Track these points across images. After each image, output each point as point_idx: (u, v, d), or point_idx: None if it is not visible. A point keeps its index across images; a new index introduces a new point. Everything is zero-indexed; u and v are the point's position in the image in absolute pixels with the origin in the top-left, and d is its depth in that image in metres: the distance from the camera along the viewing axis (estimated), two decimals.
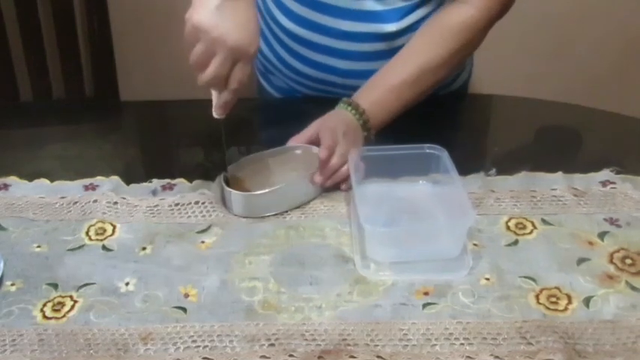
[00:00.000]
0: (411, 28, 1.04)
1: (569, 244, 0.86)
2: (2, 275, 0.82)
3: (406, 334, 0.75)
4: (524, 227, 0.88)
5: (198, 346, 0.74)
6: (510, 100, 1.25)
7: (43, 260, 0.85)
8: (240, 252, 0.85)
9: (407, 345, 0.74)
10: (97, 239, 0.88)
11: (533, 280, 0.81)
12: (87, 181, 0.97)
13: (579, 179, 0.96)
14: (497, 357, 0.72)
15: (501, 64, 1.71)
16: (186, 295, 0.80)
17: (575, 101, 1.17)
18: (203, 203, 0.93)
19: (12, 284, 0.82)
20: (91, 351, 0.73)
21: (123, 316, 0.77)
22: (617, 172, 0.96)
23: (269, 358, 0.73)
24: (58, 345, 0.74)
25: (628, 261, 0.83)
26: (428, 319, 0.76)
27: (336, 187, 0.95)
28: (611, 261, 0.83)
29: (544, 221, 0.89)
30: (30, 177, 0.98)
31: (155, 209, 0.92)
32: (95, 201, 0.93)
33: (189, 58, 0.84)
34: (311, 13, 1.05)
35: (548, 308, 0.77)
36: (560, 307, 0.77)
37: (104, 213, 0.91)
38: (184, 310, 0.78)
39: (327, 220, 0.90)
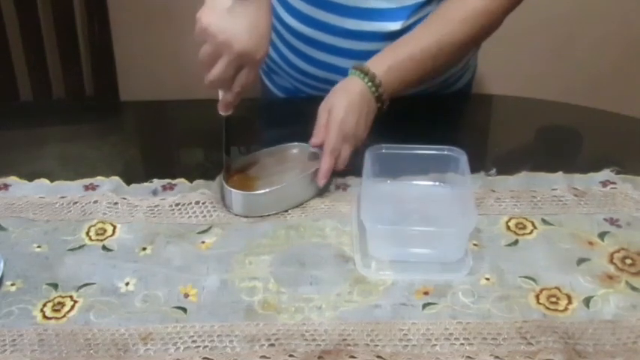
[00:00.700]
0: None
1: (569, 244, 0.86)
2: (2, 275, 0.82)
3: (406, 334, 0.75)
4: (525, 227, 0.88)
5: (198, 346, 0.74)
6: (511, 100, 1.25)
7: (43, 260, 0.85)
8: (240, 252, 0.85)
9: (407, 345, 0.74)
10: (97, 239, 0.88)
11: (534, 280, 0.81)
12: (87, 181, 0.97)
13: (579, 179, 0.96)
14: (497, 357, 0.72)
15: (502, 64, 1.71)
16: (186, 295, 0.80)
17: (575, 101, 1.17)
18: (204, 203, 0.93)
19: (12, 284, 0.82)
20: (91, 351, 0.73)
21: (123, 316, 0.77)
22: (618, 172, 0.96)
23: (269, 358, 0.72)
24: (58, 345, 0.74)
25: (628, 261, 0.83)
26: (428, 319, 0.76)
27: (336, 187, 0.95)
28: (611, 261, 0.83)
29: (544, 221, 0.89)
30: (30, 177, 0.98)
31: (155, 209, 0.92)
32: (95, 201, 0.93)
33: (198, 56, 0.85)
34: (316, 12, 1.05)
35: (548, 308, 0.77)
36: (561, 307, 0.77)
37: (104, 213, 0.91)
38: (184, 310, 0.78)
39: (327, 220, 0.90)
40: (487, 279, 0.81)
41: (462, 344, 0.73)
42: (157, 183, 0.97)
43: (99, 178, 0.98)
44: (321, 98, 0.96)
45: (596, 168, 0.97)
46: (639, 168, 0.97)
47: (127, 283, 0.81)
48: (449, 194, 0.93)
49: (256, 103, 1.27)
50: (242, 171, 0.96)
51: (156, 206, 0.93)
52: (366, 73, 0.94)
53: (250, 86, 0.88)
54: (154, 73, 1.79)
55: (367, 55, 0.99)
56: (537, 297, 0.79)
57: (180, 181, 0.97)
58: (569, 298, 0.78)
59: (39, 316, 0.78)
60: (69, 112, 1.25)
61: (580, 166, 0.98)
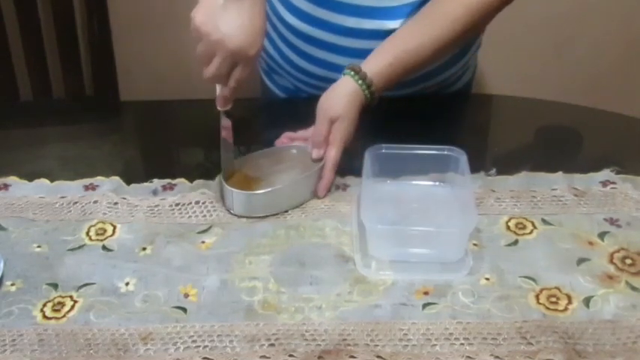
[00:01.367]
0: None
1: (569, 244, 0.86)
2: (2, 275, 0.82)
3: (406, 334, 0.75)
4: (524, 227, 0.88)
5: (198, 346, 0.74)
6: (511, 100, 1.25)
7: (43, 260, 0.85)
8: (240, 252, 0.85)
9: (407, 345, 0.74)
10: (98, 239, 0.88)
11: (533, 280, 0.81)
12: (87, 181, 0.97)
13: (579, 179, 0.96)
14: (497, 357, 0.72)
15: (502, 64, 1.71)
16: (186, 295, 0.80)
17: (575, 101, 1.17)
18: (204, 203, 0.93)
19: (12, 284, 0.82)
20: (91, 351, 0.73)
21: (123, 316, 0.77)
22: (618, 172, 0.96)
23: (269, 358, 0.73)
24: (58, 345, 0.74)
25: (628, 261, 0.83)
26: (428, 319, 0.76)
27: (336, 187, 0.95)
28: (611, 261, 0.83)
29: (544, 221, 0.89)
30: (30, 177, 0.98)
31: (156, 209, 0.92)
32: (96, 201, 0.93)
33: (196, 52, 0.86)
34: (316, 10, 1.06)
35: (548, 308, 0.77)
36: (560, 307, 0.77)
37: (104, 213, 0.91)
38: (184, 310, 0.78)
39: (327, 220, 0.90)
40: (487, 279, 0.81)
41: (462, 344, 0.74)
42: (157, 183, 0.97)
43: (99, 178, 0.98)
44: None
45: (596, 168, 0.97)
46: (639, 168, 0.97)
47: (127, 283, 0.81)
48: (449, 194, 0.93)
49: (256, 103, 1.27)
50: (242, 171, 0.96)
51: (156, 206, 0.93)
52: (359, 74, 0.95)
53: (245, 82, 0.89)
54: (154, 73, 1.79)
55: (366, 53, 0.99)
56: (537, 297, 0.79)
57: (181, 181, 0.97)
58: (569, 298, 0.78)
59: (39, 316, 0.78)
60: (69, 112, 1.25)
61: (580, 166, 0.98)
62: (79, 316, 0.77)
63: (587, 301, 0.78)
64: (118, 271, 0.83)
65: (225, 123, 0.93)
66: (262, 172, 0.96)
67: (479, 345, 0.73)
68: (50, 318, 0.77)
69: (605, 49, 1.82)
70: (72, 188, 0.96)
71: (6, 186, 0.97)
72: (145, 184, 0.97)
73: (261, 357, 0.73)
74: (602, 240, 0.86)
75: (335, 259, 0.84)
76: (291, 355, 0.73)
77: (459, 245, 0.84)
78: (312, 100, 0.97)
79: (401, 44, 0.97)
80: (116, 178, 0.97)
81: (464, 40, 1.04)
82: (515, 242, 0.86)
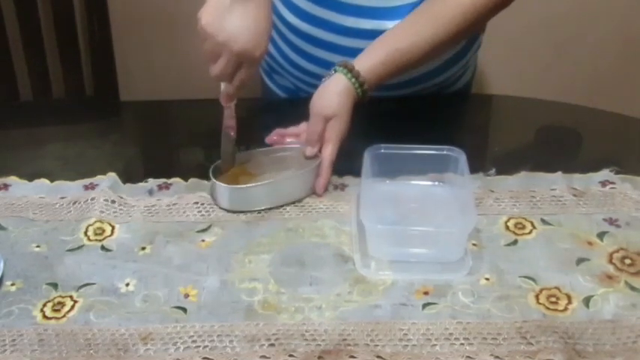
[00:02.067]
0: None
1: (568, 244, 0.86)
2: (2, 275, 0.82)
3: (406, 334, 0.75)
4: (524, 227, 0.88)
5: (198, 346, 0.74)
6: (511, 100, 1.25)
7: (43, 260, 0.85)
8: (240, 251, 0.85)
9: (407, 345, 0.74)
10: (96, 239, 0.88)
11: (533, 280, 0.81)
12: (87, 181, 0.97)
13: (579, 179, 0.96)
14: (497, 357, 0.72)
15: (502, 64, 1.71)
16: (186, 295, 0.80)
17: (574, 101, 1.17)
18: (202, 204, 0.93)
19: (12, 284, 0.82)
20: (91, 351, 0.73)
21: (123, 316, 0.77)
22: (617, 172, 0.96)
23: (269, 358, 0.73)
24: (58, 345, 0.74)
25: (627, 261, 0.83)
26: (428, 319, 0.76)
27: (334, 186, 0.96)
28: (610, 261, 0.83)
29: (543, 221, 0.89)
30: (30, 177, 0.98)
31: (153, 209, 0.92)
32: (93, 199, 0.93)
33: (202, 51, 0.87)
34: (315, 9, 1.06)
35: (548, 308, 0.77)
36: (560, 307, 0.77)
37: (102, 212, 0.91)
38: (184, 310, 0.78)
39: (326, 220, 0.90)
40: (487, 279, 0.81)
41: (462, 344, 0.74)
42: (152, 183, 0.97)
43: (98, 177, 0.98)
44: None
45: (596, 168, 0.97)
46: (638, 168, 0.97)
47: (127, 284, 0.81)
48: (448, 194, 0.93)
49: (256, 103, 1.27)
50: (240, 167, 0.96)
51: (153, 206, 0.93)
52: (351, 71, 0.95)
53: (249, 81, 0.91)
54: (154, 73, 1.79)
55: None
56: (537, 297, 0.79)
57: (176, 181, 0.97)
58: (569, 298, 0.78)
59: (39, 316, 0.78)
60: (69, 112, 1.25)
61: (579, 166, 0.98)
62: (79, 316, 0.77)
63: (586, 301, 0.78)
64: (118, 271, 0.83)
65: (229, 122, 0.93)
66: (259, 169, 0.96)
67: (479, 345, 0.73)
68: (50, 318, 0.77)
69: (605, 49, 1.82)
70: (72, 188, 0.96)
71: (6, 186, 0.97)
72: (141, 183, 0.97)
73: (261, 357, 0.73)
74: (602, 240, 0.86)
75: (334, 259, 0.84)
76: (291, 355, 0.73)
77: (459, 245, 0.84)
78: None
79: (394, 42, 0.97)
80: (113, 175, 0.97)
81: (458, 41, 1.04)
82: (515, 242, 0.86)
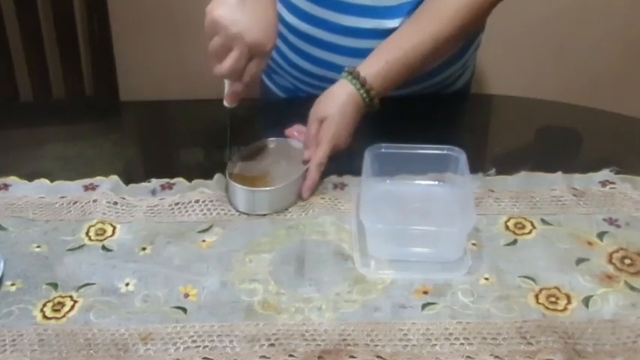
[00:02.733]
0: None
1: (568, 244, 0.86)
2: (2, 275, 0.82)
3: (406, 334, 0.75)
4: (524, 227, 0.88)
5: (198, 346, 0.74)
6: (511, 100, 1.25)
7: (43, 260, 0.85)
8: (240, 250, 0.86)
9: (407, 345, 0.74)
10: (97, 239, 0.88)
11: (533, 279, 0.81)
12: (87, 181, 0.97)
13: (579, 179, 0.96)
14: (497, 357, 0.72)
15: (502, 64, 1.71)
16: (186, 295, 0.80)
17: (574, 101, 1.17)
18: (204, 202, 0.93)
19: (12, 284, 0.82)
20: (91, 351, 0.74)
21: (123, 316, 0.77)
22: (617, 172, 0.96)
23: (269, 358, 0.73)
24: (58, 345, 0.74)
25: (627, 261, 0.83)
26: (428, 319, 0.76)
27: (334, 186, 0.96)
28: (610, 261, 0.83)
29: (543, 221, 0.89)
30: (30, 177, 0.98)
31: (155, 209, 0.92)
32: (95, 201, 0.93)
33: (208, 48, 0.86)
34: (314, 9, 1.06)
35: (547, 308, 0.77)
36: (560, 307, 0.77)
37: (104, 213, 0.91)
38: (184, 310, 0.78)
39: (327, 216, 0.90)
40: (486, 279, 0.81)
41: (462, 344, 0.74)
42: (155, 183, 0.97)
43: (98, 177, 0.98)
44: None
45: (596, 168, 0.97)
46: (638, 168, 0.97)
47: (127, 284, 0.81)
48: (448, 194, 0.93)
49: (256, 103, 1.27)
50: (237, 168, 0.96)
51: (155, 206, 0.93)
52: (356, 77, 0.95)
53: (259, 76, 0.91)
54: (154, 73, 1.79)
55: (365, 52, 0.99)
56: (537, 297, 0.79)
57: (179, 181, 0.97)
58: (569, 298, 0.78)
59: (39, 316, 0.78)
60: (69, 112, 1.25)
61: (579, 166, 0.98)
62: (79, 316, 0.78)
63: (586, 301, 0.78)
64: (118, 271, 0.83)
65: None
66: (258, 168, 0.96)
67: (479, 345, 0.73)
68: (50, 318, 0.77)
69: (605, 49, 1.82)
70: (72, 188, 0.96)
71: (6, 186, 0.97)
72: (144, 183, 0.97)
73: (261, 357, 0.73)
74: (602, 240, 0.86)
75: (334, 257, 0.84)
76: (291, 355, 0.73)
77: (458, 245, 0.84)
78: (312, 99, 0.97)
79: (398, 44, 0.97)
80: (115, 177, 0.97)
81: (463, 37, 1.04)
82: (515, 242, 0.86)
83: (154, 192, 0.95)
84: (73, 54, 1.55)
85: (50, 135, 1.14)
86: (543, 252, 0.84)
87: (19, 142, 1.11)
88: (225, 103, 0.92)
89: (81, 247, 0.87)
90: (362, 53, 1.00)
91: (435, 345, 0.74)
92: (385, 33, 1.02)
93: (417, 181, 0.95)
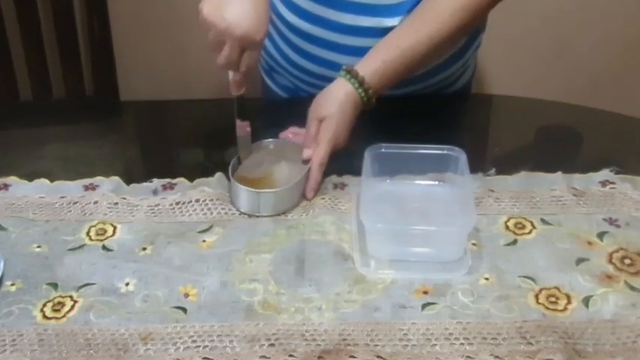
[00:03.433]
0: None
1: (568, 244, 0.86)
2: (2, 275, 0.82)
3: (406, 334, 0.75)
4: (524, 227, 0.88)
5: (198, 346, 0.74)
6: (510, 100, 1.25)
7: (43, 260, 0.85)
8: (241, 250, 0.86)
9: (407, 345, 0.74)
10: (98, 239, 0.88)
11: (533, 279, 0.81)
12: (87, 181, 0.97)
13: (579, 179, 0.96)
14: (497, 357, 0.72)
15: (502, 64, 1.71)
16: (187, 295, 0.80)
17: (574, 101, 1.17)
18: (204, 201, 0.93)
19: (12, 284, 0.82)
20: (91, 351, 0.74)
21: (123, 316, 0.77)
22: (617, 172, 0.96)
23: (269, 358, 0.73)
24: (58, 345, 0.74)
25: (627, 261, 0.83)
26: (427, 319, 0.76)
27: (334, 185, 0.96)
28: (610, 261, 0.83)
29: (543, 221, 0.89)
30: (30, 177, 0.98)
31: (156, 208, 0.92)
32: (96, 202, 0.93)
33: (207, 42, 0.89)
34: (314, 7, 1.06)
35: (547, 308, 0.77)
36: (560, 307, 0.77)
37: (105, 214, 0.91)
38: (184, 310, 0.78)
39: (327, 216, 0.90)
40: (486, 279, 0.81)
41: (462, 344, 0.74)
42: (156, 182, 0.97)
43: (99, 178, 0.98)
44: None
45: (596, 168, 0.97)
46: (638, 168, 0.97)
47: (127, 284, 0.81)
48: (448, 194, 0.93)
49: (257, 103, 1.27)
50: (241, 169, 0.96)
51: (156, 205, 0.93)
52: (355, 76, 0.95)
53: (255, 65, 0.94)
54: (154, 73, 1.79)
55: (364, 50, 0.99)
56: (537, 297, 0.79)
57: (180, 181, 0.97)
58: (569, 298, 0.78)
59: (39, 316, 0.78)
60: (69, 112, 1.25)
61: (579, 166, 0.98)
62: (79, 316, 0.78)
63: (586, 301, 0.78)
64: (118, 271, 0.83)
65: (241, 125, 0.94)
66: (257, 170, 0.96)
67: (479, 345, 0.73)
68: (50, 318, 0.77)
69: (605, 49, 1.82)
70: (72, 188, 0.96)
71: (6, 186, 0.97)
72: (145, 183, 0.97)
73: (261, 357, 0.73)
74: (601, 240, 0.86)
75: (334, 257, 0.84)
76: (291, 355, 0.73)
77: (458, 245, 0.84)
78: (312, 99, 0.97)
79: (395, 43, 0.97)
80: (116, 178, 0.97)
81: (460, 37, 1.04)
82: (515, 242, 0.86)
83: (155, 192, 0.95)
84: (73, 54, 1.55)
85: (50, 135, 1.14)
86: (543, 252, 0.84)
87: (19, 142, 1.11)
88: (232, 92, 0.94)
89: (81, 247, 0.87)
90: (361, 51, 1.00)
91: (435, 345, 0.74)
92: (385, 31, 1.02)
93: (417, 181, 0.95)
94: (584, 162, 1.02)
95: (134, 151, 1.13)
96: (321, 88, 0.99)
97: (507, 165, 0.98)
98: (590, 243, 0.86)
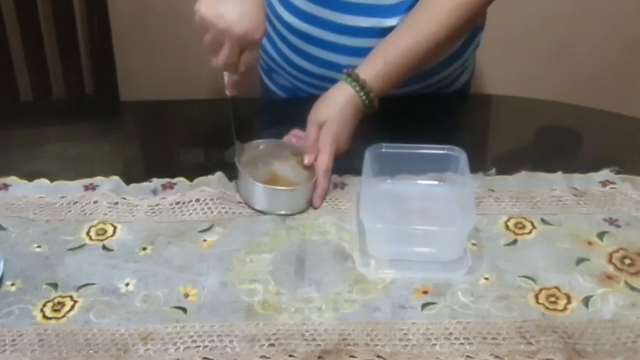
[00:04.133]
0: None
1: (568, 244, 0.86)
2: (2, 275, 0.82)
3: (406, 334, 0.75)
4: (524, 227, 0.88)
5: (198, 346, 0.74)
6: (510, 100, 1.25)
7: (43, 260, 0.85)
8: (241, 250, 0.86)
9: (407, 345, 0.74)
10: (98, 239, 0.88)
11: (533, 279, 0.81)
12: (87, 181, 0.97)
13: (579, 179, 0.96)
14: (497, 357, 0.72)
15: (502, 64, 1.71)
16: (186, 295, 0.80)
17: (574, 101, 1.17)
18: (204, 200, 0.93)
19: (12, 284, 0.82)
20: (91, 351, 0.74)
21: (123, 316, 0.77)
22: (617, 172, 0.96)
23: (269, 358, 0.73)
24: (58, 345, 0.74)
25: (627, 261, 0.83)
26: (427, 318, 0.76)
27: (334, 185, 0.96)
28: (610, 261, 0.83)
29: (543, 221, 0.89)
30: (30, 177, 0.98)
31: (156, 208, 0.92)
32: (96, 202, 0.93)
33: (203, 43, 0.89)
34: (312, 7, 1.06)
35: (547, 308, 0.77)
36: (560, 307, 0.77)
37: (105, 214, 0.91)
38: (184, 310, 0.78)
39: (327, 216, 0.90)
40: (486, 278, 0.81)
41: (462, 344, 0.74)
42: (156, 182, 0.97)
43: (99, 177, 0.98)
44: None
45: (596, 168, 0.97)
46: (639, 168, 0.97)
47: (127, 284, 0.81)
48: (448, 193, 0.93)
49: (256, 103, 1.27)
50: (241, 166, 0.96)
51: (156, 205, 0.93)
52: (356, 80, 0.95)
53: (255, 64, 0.94)
54: (154, 73, 1.79)
55: (364, 51, 0.99)
56: (536, 296, 0.79)
57: (180, 180, 0.97)
58: (569, 298, 0.78)
59: (39, 316, 0.78)
60: (69, 112, 1.25)
61: (579, 166, 0.98)
62: (79, 316, 0.78)
63: (586, 301, 0.78)
64: (118, 271, 0.83)
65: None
66: (260, 169, 0.96)
67: (479, 345, 0.73)
68: (50, 318, 0.77)
69: (605, 49, 1.82)
70: (72, 188, 0.96)
71: (6, 186, 0.97)
72: (145, 183, 0.97)
73: (261, 357, 0.73)
74: (602, 240, 0.86)
75: (334, 256, 0.84)
76: (291, 355, 0.73)
77: (458, 244, 0.84)
78: (313, 99, 0.97)
79: (395, 44, 0.97)
80: (116, 178, 0.97)
81: (459, 36, 1.04)
82: (515, 242, 0.86)
83: (155, 192, 0.95)
84: (73, 54, 1.56)
85: (50, 135, 1.14)
86: (543, 252, 0.84)
87: (19, 142, 1.11)
88: (228, 92, 0.94)
89: (81, 247, 0.87)
90: (361, 52, 1.00)
91: (435, 345, 0.74)
92: (384, 31, 1.02)
93: (417, 181, 0.95)
94: (585, 162, 1.02)
95: (134, 151, 1.13)
96: (320, 88, 0.99)
97: (507, 165, 0.98)
98: (590, 243, 0.86)
